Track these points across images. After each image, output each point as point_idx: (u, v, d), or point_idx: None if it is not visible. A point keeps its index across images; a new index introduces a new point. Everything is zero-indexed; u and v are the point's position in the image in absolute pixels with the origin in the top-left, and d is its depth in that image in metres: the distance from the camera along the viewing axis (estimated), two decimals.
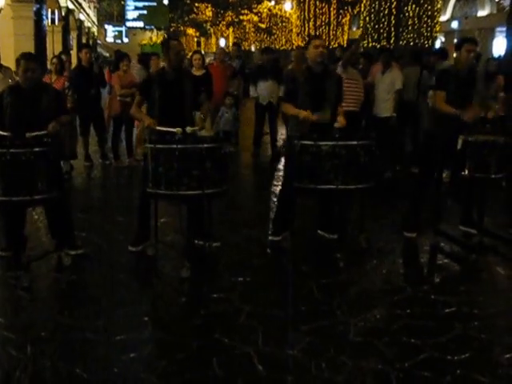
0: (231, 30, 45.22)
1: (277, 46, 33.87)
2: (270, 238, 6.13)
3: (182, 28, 51.84)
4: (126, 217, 6.46)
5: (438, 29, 17.44)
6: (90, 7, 47.73)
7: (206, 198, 5.26)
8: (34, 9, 19.60)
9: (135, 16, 54.41)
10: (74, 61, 15.64)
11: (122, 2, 55.82)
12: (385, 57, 9.40)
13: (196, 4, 45.83)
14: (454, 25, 31.76)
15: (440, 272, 5.51)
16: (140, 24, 55.11)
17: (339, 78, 6.15)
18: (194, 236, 5.64)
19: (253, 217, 7.11)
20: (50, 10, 22.93)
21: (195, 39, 54.32)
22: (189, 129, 5.23)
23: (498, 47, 25.22)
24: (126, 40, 63.31)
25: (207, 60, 30.62)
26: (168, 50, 5.55)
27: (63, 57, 10.14)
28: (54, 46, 21.76)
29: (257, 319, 4.40)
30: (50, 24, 22.67)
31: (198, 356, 3.93)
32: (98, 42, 55.88)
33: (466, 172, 5.62)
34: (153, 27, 54.71)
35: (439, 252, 5.99)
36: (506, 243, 6.07)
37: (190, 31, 52.23)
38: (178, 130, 5.13)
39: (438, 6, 17.28)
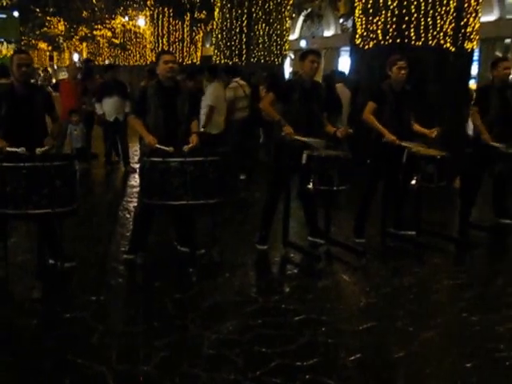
0: (85, 44, 44.24)
1: (131, 62, 33.58)
2: (124, 256, 6.07)
3: (33, 41, 50.04)
4: None
5: (287, 47, 18.12)
6: None
7: (56, 216, 5.14)
8: None
9: None
10: None
11: None
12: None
13: (48, 17, 44.44)
14: (303, 43, 33.11)
15: (290, 282, 5.69)
16: None
17: (191, 93, 6.19)
18: (46, 255, 5.50)
19: (106, 234, 7.02)
20: None
21: (48, 53, 52.63)
22: (38, 150, 5.10)
23: (343, 65, 26.50)
24: None
25: (60, 75, 29.68)
26: (11, 63, 5.39)
27: None
28: None
29: (110, 337, 4.36)
30: None
31: (50, 378, 3.85)
32: None
33: (311, 185, 5.89)
34: (2, 40, 52.37)
35: (289, 263, 6.23)
36: (352, 252, 6.39)
37: (43, 45, 50.53)
38: (21, 149, 5.01)
39: (287, 25, 17.98)
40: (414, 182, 6.41)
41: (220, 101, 9.92)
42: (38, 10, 40.13)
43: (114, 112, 10.84)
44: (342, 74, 11.79)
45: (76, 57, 43.14)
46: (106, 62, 40.42)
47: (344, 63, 26.91)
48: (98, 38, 40.34)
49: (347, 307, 5.15)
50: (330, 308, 5.03)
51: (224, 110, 10.09)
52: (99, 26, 37.17)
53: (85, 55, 41.36)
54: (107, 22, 36.07)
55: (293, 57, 33.15)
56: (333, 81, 10.61)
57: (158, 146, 5.51)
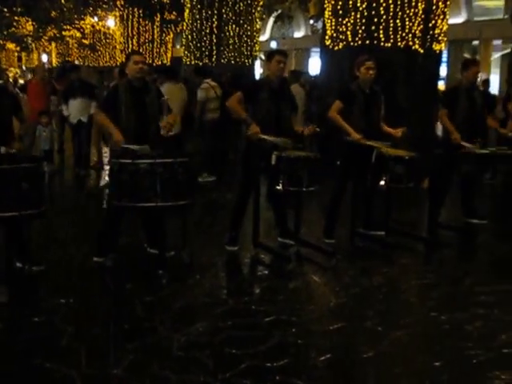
0: (54, 45, 43.81)
1: (101, 63, 33.36)
2: (94, 258, 6.00)
3: (1, 42, 49.42)
4: None
5: (257, 48, 18.15)
6: None
7: (24, 219, 5.08)
8: None
9: None
10: None
11: None
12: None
13: (16, 17, 43.87)
14: (273, 45, 33.13)
15: (260, 283, 5.69)
16: None
17: (159, 92, 6.21)
18: (13, 258, 5.43)
19: (75, 237, 6.95)
20: None
21: (16, 54, 52.04)
22: (3, 149, 5.04)
23: (314, 66, 26.61)
24: None
25: (29, 76, 29.29)
26: None
27: None
28: None
29: (79, 341, 4.30)
30: None
31: (18, 383, 3.81)
32: None
33: (281, 186, 5.90)
34: None
35: (259, 264, 6.24)
36: (322, 252, 6.40)
37: (11, 46, 49.94)
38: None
39: (257, 26, 18.02)
40: (382, 182, 6.45)
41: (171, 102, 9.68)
42: (5, 9, 39.53)
43: (78, 114, 10.75)
44: (298, 74, 11.85)
45: (45, 57, 42.65)
46: (76, 62, 40.06)
47: (314, 64, 27.02)
48: (68, 39, 39.95)
49: (317, 308, 5.15)
50: (300, 309, 5.04)
51: (177, 112, 9.92)
52: (68, 27, 36.80)
53: (54, 56, 40.96)
54: (76, 22, 35.75)
55: (263, 58, 33.23)
56: (287, 81, 10.66)
57: (125, 145, 5.49)
